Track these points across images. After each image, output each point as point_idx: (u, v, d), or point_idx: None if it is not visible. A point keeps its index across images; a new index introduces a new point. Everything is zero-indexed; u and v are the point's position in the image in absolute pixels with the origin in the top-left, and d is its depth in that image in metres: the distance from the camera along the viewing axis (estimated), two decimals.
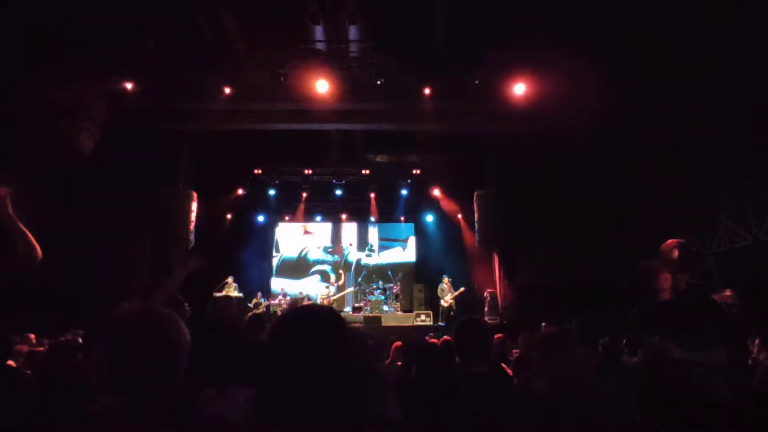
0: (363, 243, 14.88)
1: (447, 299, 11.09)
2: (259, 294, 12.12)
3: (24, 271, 1.79)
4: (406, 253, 14.76)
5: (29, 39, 6.64)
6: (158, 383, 1.11)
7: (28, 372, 3.07)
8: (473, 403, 1.90)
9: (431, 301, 12.20)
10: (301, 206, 13.96)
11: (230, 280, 11.23)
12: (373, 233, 14.97)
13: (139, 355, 1.09)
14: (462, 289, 11.19)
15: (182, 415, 1.93)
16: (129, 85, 8.07)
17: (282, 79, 8.18)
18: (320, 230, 14.99)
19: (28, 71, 6.73)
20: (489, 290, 11.24)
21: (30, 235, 1.75)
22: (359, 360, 1.07)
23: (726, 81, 6.81)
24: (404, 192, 13.45)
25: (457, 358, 2.14)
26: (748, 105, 6.65)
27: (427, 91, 8.46)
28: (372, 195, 13.58)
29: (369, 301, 12.81)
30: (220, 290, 10.68)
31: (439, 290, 11.36)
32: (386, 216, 14.58)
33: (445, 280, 11.39)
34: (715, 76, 6.91)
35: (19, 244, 1.70)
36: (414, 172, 12.66)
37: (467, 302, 11.54)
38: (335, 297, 12.52)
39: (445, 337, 4.81)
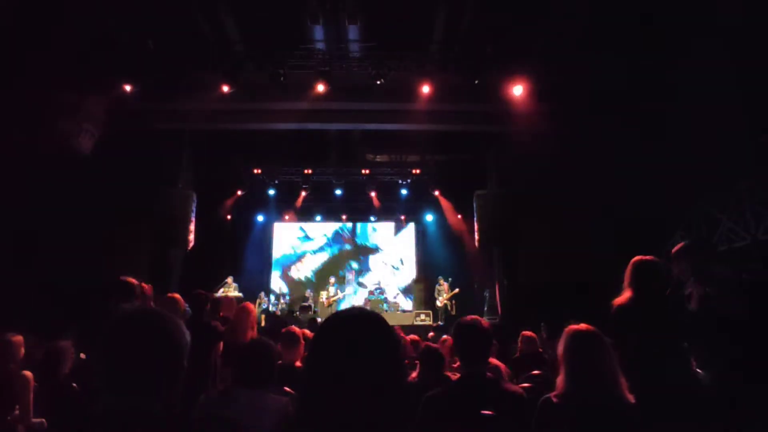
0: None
1: (442, 299, 11.23)
2: (262, 294, 12.13)
3: None
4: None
5: (29, 39, 6.64)
6: (159, 385, 1.11)
7: (28, 373, 3.06)
8: (472, 403, 1.89)
9: (431, 301, 12.25)
10: (301, 206, 13.97)
11: (230, 280, 11.23)
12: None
13: (141, 357, 1.09)
14: (456, 290, 11.31)
15: (184, 416, 1.93)
16: (129, 86, 8.07)
17: (282, 79, 8.17)
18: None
19: (28, 71, 6.73)
20: (489, 290, 11.26)
21: None
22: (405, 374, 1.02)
23: (726, 79, 6.81)
24: (404, 192, 13.45)
25: (456, 359, 2.14)
26: (748, 103, 6.65)
27: (427, 90, 8.46)
28: (372, 195, 13.57)
29: (369, 300, 12.83)
30: (220, 290, 10.68)
31: (435, 290, 11.53)
32: (386, 216, 14.59)
33: (442, 280, 11.52)
34: (715, 73, 6.91)
35: None
36: (414, 172, 12.65)
37: (467, 302, 11.57)
38: (335, 297, 12.51)
39: (444, 336, 4.83)
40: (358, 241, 14.92)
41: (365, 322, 0.98)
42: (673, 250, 2.89)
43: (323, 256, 14.79)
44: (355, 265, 14.74)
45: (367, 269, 14.65)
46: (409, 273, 14.56)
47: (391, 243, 14.89)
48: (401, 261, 14.65)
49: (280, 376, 2.40)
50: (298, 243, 14.86)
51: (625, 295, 2.78)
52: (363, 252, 14.86)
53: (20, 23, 6.45)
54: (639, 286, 2.74)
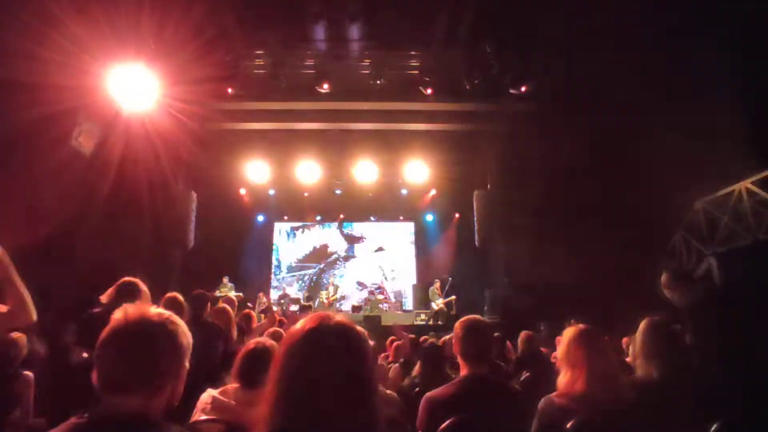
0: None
1: (438, 303, 11.19)
2: (261, 294, 12.11)
3: (14, 328, 1.81)
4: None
5: (30, 39, 6.63)
6: (162, 385, 1.12)
7: (28, 373, 3.06)
8: (476, 404, 1.89)
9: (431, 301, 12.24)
10: (301, 206, 13.95)
11: (225, 279, 11.22)
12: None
13: (144, 358, 1.09)
14: (453, 297, 11.26)
15: (183, 414, 1.93)
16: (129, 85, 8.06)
17: (282, 78, 8.18)
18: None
19: (28, 71, 6.73)
20: (488, 289, 11.26)
21: (26, 295, 1.76)
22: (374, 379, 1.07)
23: (726, 79, 6.81)
24: (404, 192, 13.44)
25: (458, 359, 2.13)
26: (748, 102, 6.66)
27: (427, 91, 8.46)
28: (372, 194, 13.55)
29: (369, 300, 12.84)
30: (216, 291, 10.65)
31: (430, 293, 11.50)
32: (386, 216, 14.59)
33: (436, 284, 11.47)
34: (716, 72, 6.91)
35: (11, 302, 1.72)
36: (414, 171, 12.62)
37: (467, 301, 11.56)
38: (334, 297, 12.51)
39: (445, 336, 4.83)
40: (344, 230, 15.03)
41: (331, 336, 1.02)
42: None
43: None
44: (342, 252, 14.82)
45: (353, 255, 14.70)
46: (407, 271, 14.57)
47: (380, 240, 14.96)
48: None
49: None
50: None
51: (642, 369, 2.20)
52: (349, 240, 14.95)
53: (20, 22, 6.45)
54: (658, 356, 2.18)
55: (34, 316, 1.77)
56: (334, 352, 0.99)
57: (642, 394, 1.97)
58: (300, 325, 1.05)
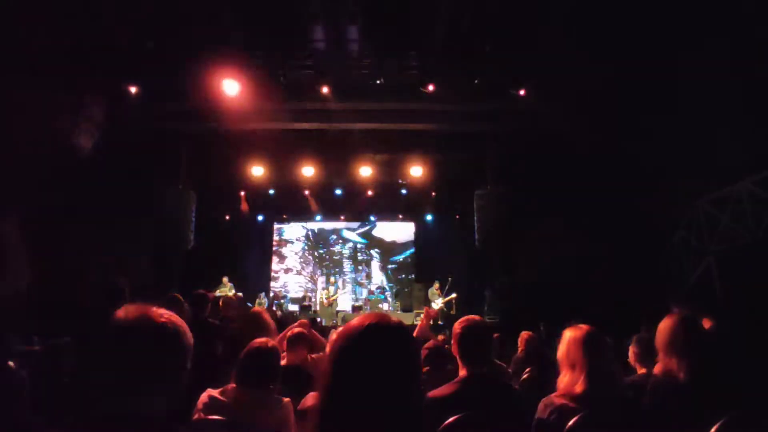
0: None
1: (438, 303, 11.18)
2: (262, 294, 12.11)
3: (12, 290, 1.86)
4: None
5: (29, 39, 6.64)
6: (162, 386, 1.12)
7: (23, 373, 3.05)
8: (476, 403, 1.89)
9: (429, 302, 12.23)
10: (301, 206, 13.96)
11: (225, 279, 11.23)
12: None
13: (144, 358, 1.09)
14: (453, 295, 11.24)
15: (183, 415, 1.93)
16: (129, 86, 8.08)
17: (282, 78, 8.18)
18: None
19: (28, 71, 6.73)
20: (488, 289, 11.25)
21: (24, 259, 1.80)
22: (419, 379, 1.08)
23: (727, 78, 6.81)
24: (404, 192, 13.44)
25: (457, 359, 2.13)
26: (749, 102, 6.65)
27: (428, 90, 8.46)
28: (372, 194, 13.55)
29: (369, 300, 12.84)
30: (217, 291, 10.65)
31: (429, 293, 11.51)
32: (386, 215, 14.59)
33: (435, 285, 11.48)
34: (716, 72, 6.90)
35: (11, 266, 1.76)
36: (414, 171, 12.64)
37: (467, 301, 11.57)
38: (334, 297, 12.51)
39: (440, 336, 4.83)
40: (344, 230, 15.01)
41: (390, 334, 1.03)
42: None
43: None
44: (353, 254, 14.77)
45: (352, 255, 14.71)
46: (407, 271, 14.57)
47: (390, 241, 14.92)
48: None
49: (285, 376, 2.42)
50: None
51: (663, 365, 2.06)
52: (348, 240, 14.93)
53: (21, 23, 6.45)
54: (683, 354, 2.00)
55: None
56: (392, 350, 1.01)
57: (669, 396, 1.94)
58: (358, 321, 1.06)
